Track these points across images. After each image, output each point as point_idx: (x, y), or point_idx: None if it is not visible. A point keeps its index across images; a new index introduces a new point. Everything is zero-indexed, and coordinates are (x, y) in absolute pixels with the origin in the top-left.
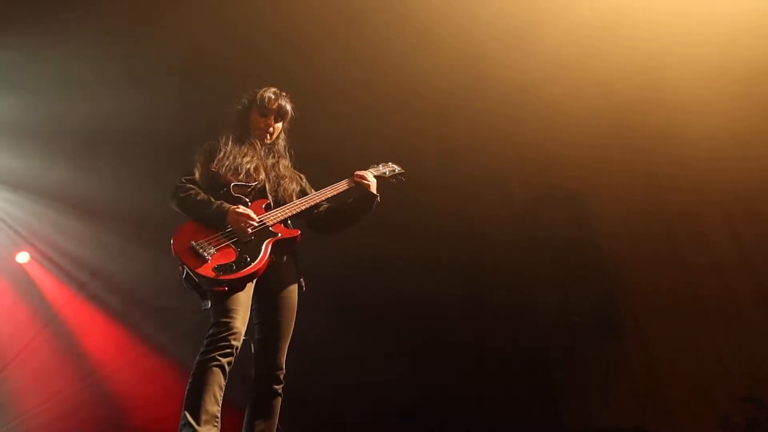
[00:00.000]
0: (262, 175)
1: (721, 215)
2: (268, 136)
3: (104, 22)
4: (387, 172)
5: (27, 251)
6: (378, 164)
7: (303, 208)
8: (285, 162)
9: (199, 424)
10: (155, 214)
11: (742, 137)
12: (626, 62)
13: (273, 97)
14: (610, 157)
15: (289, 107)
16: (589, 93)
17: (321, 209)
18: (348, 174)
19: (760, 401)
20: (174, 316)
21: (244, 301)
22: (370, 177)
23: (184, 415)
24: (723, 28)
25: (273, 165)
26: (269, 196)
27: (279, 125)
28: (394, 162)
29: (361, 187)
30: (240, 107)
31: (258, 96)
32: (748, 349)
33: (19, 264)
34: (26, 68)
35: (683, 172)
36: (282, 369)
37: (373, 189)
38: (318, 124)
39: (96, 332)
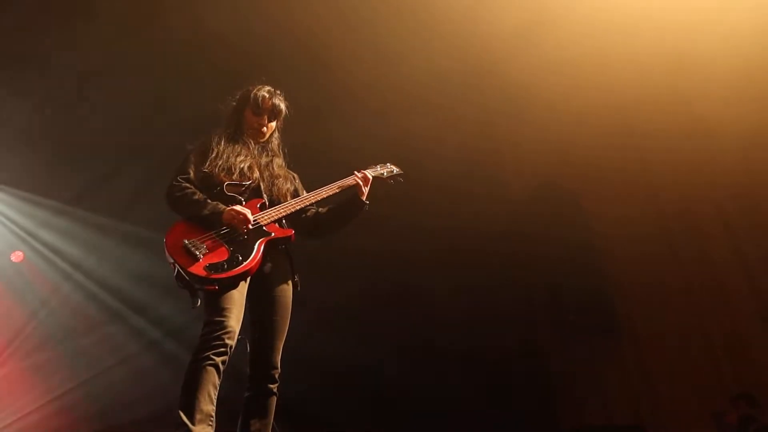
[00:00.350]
0: (257, 174)
1: (716, 213)
2: (261, 136)
3: (109, 21)
4: (385, 173)
5: (21, 250)
6: (376, 165)
7: (297, 207)
8: (279, 161)
9: (193, 424)
10: (150, 214)
11: (739, 135)
12: (623, 63)
13: (267, 96)
14: (606, 156)
15: (283, 106)
16: (586, 94)
17: (308, 214)
18: (346, 173)
19: (753, 398)
20: (168, 313)
21: (237, 299)
22: (366, 182)
23: (179, 414)
24: (719, 27)
25: (267, 164)
26: (264, 196)
27: (272, 124)
28: (392, 162)
29: (353, 190)
30: (234, 104)
31: (252, 95)
32: (742, 347)
33: (14, 263)
34: (32, 78)
35: (678, 170)
36: (277, 368)
37: (365, 196)
38: (318, 123)
39: (91, 330)
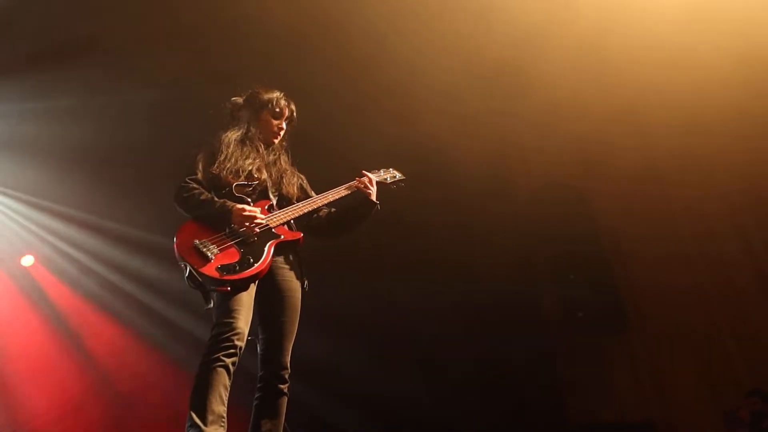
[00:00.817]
0: (264, 175)
1: (726, 208)
2: (278, 138)
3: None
4: (388, 178)
5: (32, 254)
6: (379, 169)
7: (306, 210)
8: (285, 157)
9: (205, 425)
10: (159, 217)
11: (745, 129)
12: (626, 58)
13: (285, 102)
14: (613, 152)
15: (294, 111)
16: (590, 90)
17: (321, 214)
18: (351, 176)
19: (766, 394)
20: (177, 316)
21: (246, 301)
22: (372, 183)
23: (191, 415)
24: (724, 18)
25: (274, 161)
26: (271, 196)
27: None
28: (400, 162)
29: (361, 193)
30: (239, 107)
31: (273, 99)
32: (753, 343)
33: (24, 267)
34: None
35: (686, 168)
36: (287, 369)
37: (374, 197)
38: (319, 124)
39: (100, 333)
